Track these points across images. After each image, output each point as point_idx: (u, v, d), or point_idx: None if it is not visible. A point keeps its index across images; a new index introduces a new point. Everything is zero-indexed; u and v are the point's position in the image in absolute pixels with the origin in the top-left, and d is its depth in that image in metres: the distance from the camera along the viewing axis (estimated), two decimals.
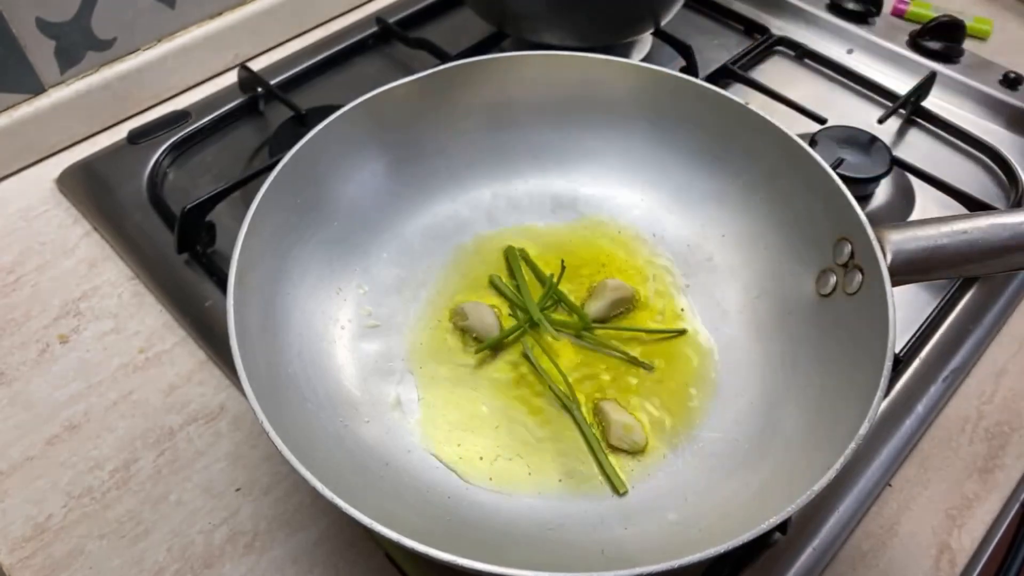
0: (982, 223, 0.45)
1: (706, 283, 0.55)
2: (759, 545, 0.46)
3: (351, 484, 0.40)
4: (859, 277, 0.45)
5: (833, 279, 0.48)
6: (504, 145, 0.60)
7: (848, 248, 0.47)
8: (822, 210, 0.49)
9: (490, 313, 0.53)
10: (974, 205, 0.62)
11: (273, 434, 0.37)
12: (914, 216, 0.64)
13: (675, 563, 0.35)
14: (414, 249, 0.57)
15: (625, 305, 0.55)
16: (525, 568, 0.34)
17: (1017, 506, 0.50)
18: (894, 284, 0.43)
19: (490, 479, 0.46)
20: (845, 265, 0.47)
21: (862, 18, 0.78)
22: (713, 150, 0.56)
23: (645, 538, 0.42)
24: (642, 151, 0.59)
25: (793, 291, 0.51)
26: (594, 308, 0.54)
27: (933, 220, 0.45)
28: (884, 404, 0.52)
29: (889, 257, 0.44)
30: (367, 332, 0.52)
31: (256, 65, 0.74)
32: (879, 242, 0.44)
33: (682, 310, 0.54)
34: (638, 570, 0.34)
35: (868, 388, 0.40)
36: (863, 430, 0.38)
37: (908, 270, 0.45)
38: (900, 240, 0.45)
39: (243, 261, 0.44)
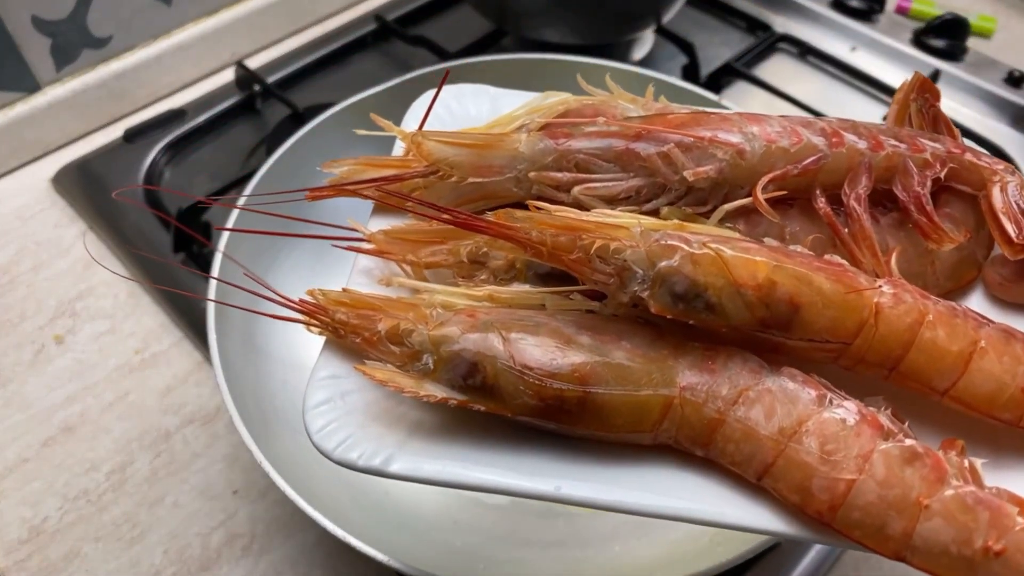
0: None
1: None
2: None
3: (357, 518, 0.40)
4: None
5: None
6: None
7: None
8: None
9: None
10: None
11: (286, 486, 0.37)
12: None
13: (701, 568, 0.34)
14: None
15: None
16: None
17: None
18: None
19: (496, 500, 0.46)
20: None
21: (866, 15, 0.78)
22: None
23: (662, 545, 0.42)
24: None
25: None
26: None
27: None
28: None
29: None
30: None
31: (253, 63, 0.73)
32: None
33: None
34: None
35: None
36: None
37: None
38: None
39: (220, 288, 0.44)
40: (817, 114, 0.67)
